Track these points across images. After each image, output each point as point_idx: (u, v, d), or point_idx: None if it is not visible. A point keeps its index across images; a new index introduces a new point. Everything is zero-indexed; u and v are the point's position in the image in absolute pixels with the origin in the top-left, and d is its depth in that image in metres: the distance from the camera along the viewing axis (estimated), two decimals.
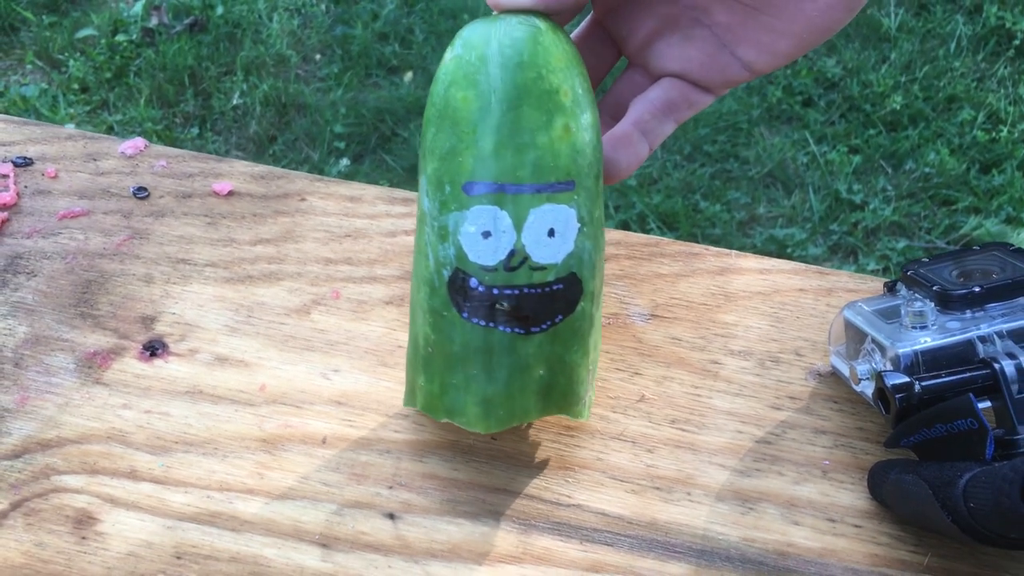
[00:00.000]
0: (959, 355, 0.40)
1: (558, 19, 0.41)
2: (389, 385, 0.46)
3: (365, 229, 0.53)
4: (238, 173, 0.56)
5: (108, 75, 1.83)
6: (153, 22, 1.92)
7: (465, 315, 0.39)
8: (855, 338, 0.44)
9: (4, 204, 0.54)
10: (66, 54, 1.87)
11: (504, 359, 0.39)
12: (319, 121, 1.75)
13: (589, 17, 0.46)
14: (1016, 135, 1.67)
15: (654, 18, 0.44)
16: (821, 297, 0.50)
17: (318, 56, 1.89)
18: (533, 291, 0.38)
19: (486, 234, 0.38)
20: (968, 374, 0.39)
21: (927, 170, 1.63)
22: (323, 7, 1.97)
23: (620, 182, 0.50)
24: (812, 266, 0.52)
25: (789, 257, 1.49)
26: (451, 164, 0.39)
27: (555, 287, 0.39)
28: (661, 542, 0.41)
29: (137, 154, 0.57)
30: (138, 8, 1.93)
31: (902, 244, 1.53)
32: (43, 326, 0.49)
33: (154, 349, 0.47)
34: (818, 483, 0.43)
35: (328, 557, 0.40)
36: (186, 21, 1.92)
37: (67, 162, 0.57)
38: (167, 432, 0.44)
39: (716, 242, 1.52)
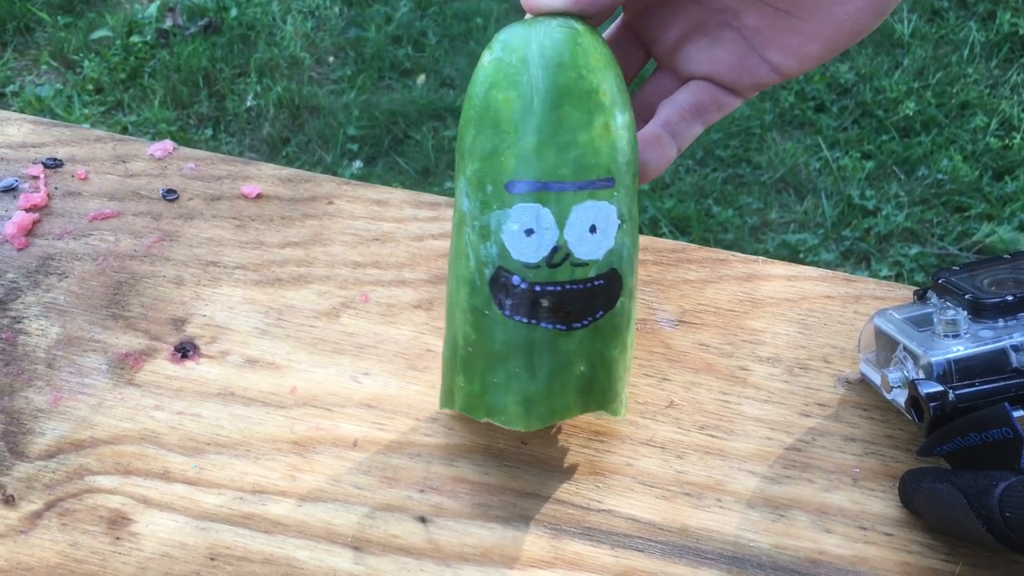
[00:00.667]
0: (992, 364, 0.40)
1: (590, 22, 0.42)
2: (419, 389, 0.47)
3: (392, 233, 0.54)
4: (266, 176, 0.57)
5: (123, 76, 1.84)
6: (168, 24, 1.93)
7: (507, 313, 0.39)
8: (886, 346, 0.44)
9: (35, 205, 0.54)
10: (81, 55, 1.88)
11: (546, 356, 0.39)
12: (332, 123, 1.75)
13: (619, 20, 0.46)
14: None
15: (683, 21, 0.44)
16: (848, 304, 0.50)
17: (331, 58, 1.89)
18: (575, 287, 0.39)
19: (529, 231, 0.38)
20: (1002, 383, 0.39)
21: (940, 176, 1.63)
22: (337, 10, 1.98)
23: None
24: (839, 273, 0.52)
25: (801, 263, 1.49)
26: (493, 164, 0.39)
27: (596, 283, 0.39)
28: (692, 548, 0.41)
29: (166, 156, 0.57)
30: (153, 10, 1.94)
31: (915, 250, 1.53)
32: (75, 327, 0.49)
33: (185, 351, 0.48)
34: (848, 491, 0.43)
35: (360, 560, 0.41)
36: (200, 23, 1.93)
37: (97, 164, 0.57)
38: (199, 433, 0.45)
39: (728, 247, 1.52)
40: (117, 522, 0.42)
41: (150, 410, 0.46)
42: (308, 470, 0.43)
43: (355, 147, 1.72)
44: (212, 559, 0.41)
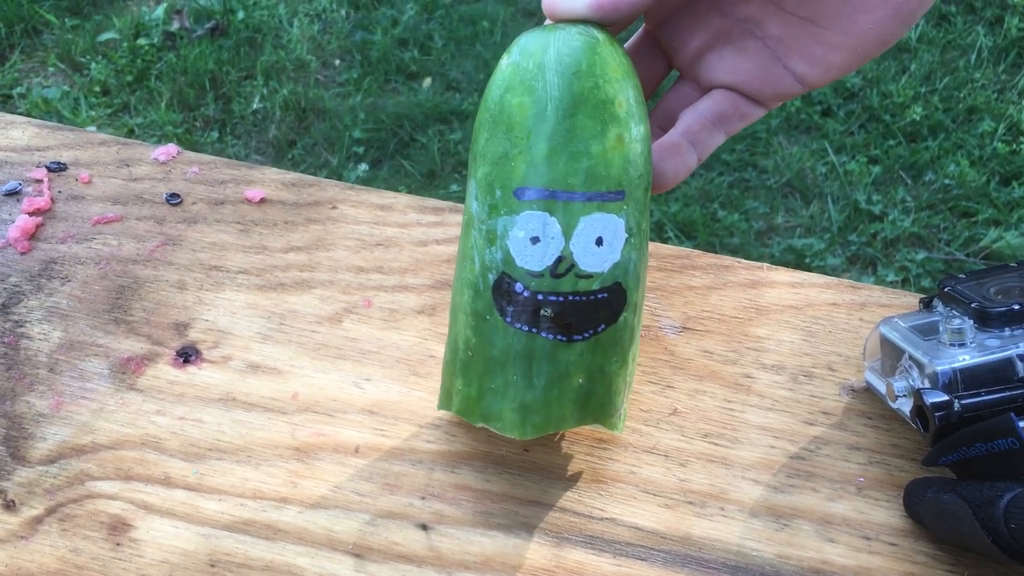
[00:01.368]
0: (998, 373, 0.40)
1: (611, 29, 0.41)
2: (421, 395, 0.46)
3: (396, 238, 0.54)
4: (270, 180, 0.57)
5: (129, 78, 1.84)
6: (175, 26, 1.94)
7: (508, 320, 0.39)
8: (891, 354, 0.44)
9: (39, 209, 0.54)
10: (88, 57, 1.88)
11: (544, 366, 0.39)
12: (338, 126, 1.75)
13: (641, 29, 0.46)
14: None
15: (706, 31, 0.44)
16: (854, 312, 0.50)
17: (338, 61, 1.90)
18: (578, 299, 0.38)
19: (534, 239, 0.38)
20: (1008, 392, 0.39)
21: (947, 181, 1.62)
22: (343, 13, 1.98)
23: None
24: (844, 280, 0.52)
25: (807, 267, 1.48)
26: (503, 169, 0.39)
27: (600, 296, 0.39)
28: (695, 558, 0.41)
29: (170, 160, 0.57)
30: (160, 12, 1.94)
31: (921, 256, 1.52)
32: (77, 331, 0.49)
33: (187, 356, 0.48)
34: (853, 500, 0.43)
35: (361, 567, 0.40)
36: (207, 25, 1.93)
37: (100, 167, 0.57)
38: (201, 439, 0.45)
39: (734, 251, 1.51)
40: (118, 528, 0.42)
41: (151, 415, 0.45)
42: (309, 476, 0.43)
43: (361, 150, 1.72)
44: (212, 566, 0.40)
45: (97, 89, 1.83)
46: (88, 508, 0.42)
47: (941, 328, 0.42)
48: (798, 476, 0.44)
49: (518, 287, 0.38)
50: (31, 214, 0.54)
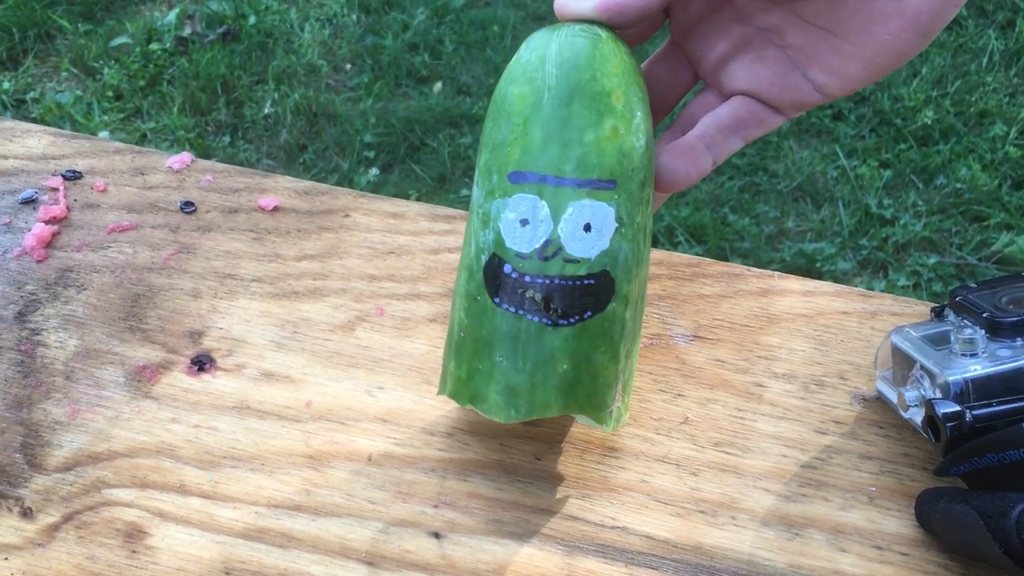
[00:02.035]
0: (1010, 383, 0.40)
1: (625, 35, 0.42)
2: (433, 403, 0.47)
3: (408, 246, 0.54)
4: (283, 188, 0.57)
5: (142, 83, 1.85)
6: (187, 31, 1.95)
7: (497, 300, 0.39)
8: (902, 364, 0.44)
9: (54, 217, 0.54)
10: (101, 62, 1.90)
11: (530, 348, 0.39)
12: (349, 130, 1.76)
13: (667, 40, 0.47)
14: None
15: (728, 39, 0.44)
16: (865, 320, 0.50)
17: (348, 66, 1.90)
18: (564, 283, 0.39)
19: (524, 222, 0.39)
20: (1020, 403, 0.39)
21: (958, 185, 1.62)
22: (354, 17, 1.99)
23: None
24: (856, 288, 0.52)
25: (819, 271, 1.48)
26: (500, 154, 0.40)
27: (586, 282, 0.39)
28: (707, 567, 0.41)
29: (184, 168, 0.58)
30: (172, 17, 1.95)
31: (933, 260, 1.52)
32: (93, 339, 0.49)
33: (202, 364, 0.48)
34: (864, 509, 0.43)
35: (374, 575, 0.41)
36: (219, 30, 1.94)
37: (115, 176, 0.58)
38: (215, 447, 0.45)
39: (745, 256, 1.51)
40: (133, 535, 0.42)
41: (167, 423, 0.46)
42: (323, 484, 0.44)
43: (372, 154, 1.73)
44: (227, 573, 0.41)
45: (110, 94, 1.84)
46: (104, 516, 0.43)
47: (953, 338, 0.42)
48: (810, 485, 0.44)
49: (507, 268, 0.39)
50: (47, 222, 0.54)
